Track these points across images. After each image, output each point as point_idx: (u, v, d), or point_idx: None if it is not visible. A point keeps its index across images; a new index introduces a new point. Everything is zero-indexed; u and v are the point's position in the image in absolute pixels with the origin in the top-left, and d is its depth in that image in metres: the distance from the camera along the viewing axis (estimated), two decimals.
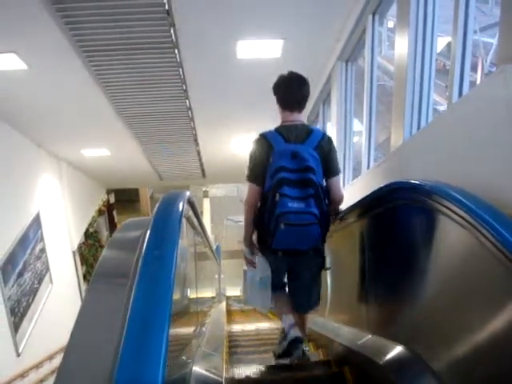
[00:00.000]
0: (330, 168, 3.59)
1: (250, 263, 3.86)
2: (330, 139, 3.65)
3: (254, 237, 3.81)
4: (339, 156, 5.82)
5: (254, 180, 3.59)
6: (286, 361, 3.79)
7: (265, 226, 3.50)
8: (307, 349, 4.43)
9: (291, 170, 3.37)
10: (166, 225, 2.06)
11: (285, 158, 3.40)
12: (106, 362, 1.41)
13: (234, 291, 15.82)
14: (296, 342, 3.67)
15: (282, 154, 3.42)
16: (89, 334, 1.91)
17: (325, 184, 3.57)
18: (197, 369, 2.76)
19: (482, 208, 1.94)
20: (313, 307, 4.00)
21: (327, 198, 3.59)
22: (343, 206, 3.82)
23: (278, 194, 3.34)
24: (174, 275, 1.73)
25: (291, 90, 3.67)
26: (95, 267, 2.36)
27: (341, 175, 3.83)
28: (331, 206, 3.68)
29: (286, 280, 3.95)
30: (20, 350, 7.76)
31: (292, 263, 3.76)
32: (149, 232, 1.95)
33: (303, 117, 3.77)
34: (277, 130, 3.60)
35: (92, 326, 1.96)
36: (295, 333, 3.67)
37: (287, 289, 3.98)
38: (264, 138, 3.56)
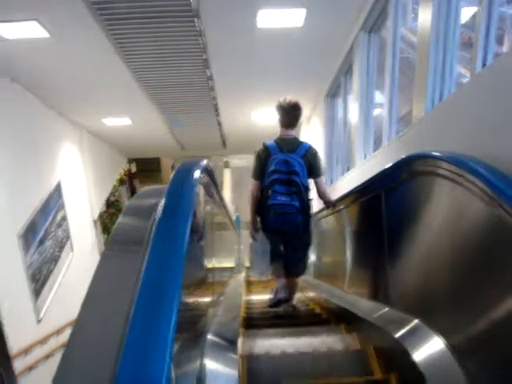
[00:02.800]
0: (314, 171, 4.90)
1: (254, 238, 5.22)
2: (313, 150, 4.93)
3: (259, 218, 5.05)
4: (361, 128, 5.87)
5: (256, 177, 4.92)
6: (279, 309, 5.36)
7: (262, 212, 4.89)
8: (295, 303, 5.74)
9: (282, 172, 4.68)
10: (180, 193, 2.05)
11: (278, 163, 4.71)
12: (115, 336, 1.41)
13: None
14: (282, 301, 5.16)
15: (277, 160, 4.72)
16: (99, 305, 1.91)
17: (308, 182, 4.87)
18: (211, 337, 2.78)
19: (502, 181, 1.91)
20: (299, 274, 5.40)
21: (309, 194, 4.91)
22: (335, 196, 5.18)
23: (270, 190, 4.69)
24: (187, 246, 1.72)
25: (287, 115, 4.94)
26: (110, 234, 2.37)
27: (323, 177, 5.21)
28: (321, 199, 5.20)
29: (283, 251, 5.12)
30: (40, 317, 7.89)
31: (282, 240, 5.03)
32: (163, 200, 1.94)
33: (295, 131, 5.08)
34: (275, 141, 4.90)
35: (104, 296, 1.97)
36: (282, 294, 5.09)
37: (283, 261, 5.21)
38: (265, 146, 4.86)
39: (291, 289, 5.33)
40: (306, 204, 4.81)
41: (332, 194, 5.40)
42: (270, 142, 4.90)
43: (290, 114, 4.96)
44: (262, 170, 4.83)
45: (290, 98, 4.96)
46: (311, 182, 4.99)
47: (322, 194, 5.10)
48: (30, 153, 8.19)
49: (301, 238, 5.04)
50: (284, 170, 4.68)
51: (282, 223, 4.75)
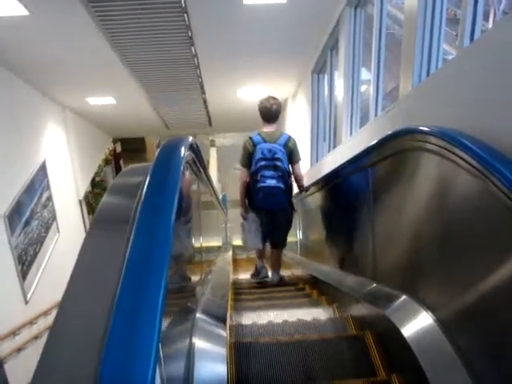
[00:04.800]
0: (293, 158, 5.79)
1: (245, 218, 6.10)
2: (293, 140, 5.83)
3: (247, 201, 6.00)
4: (348, 104, 5.89)
5: (244, 165, 5.82)
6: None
7: (252, 194, 5.77)
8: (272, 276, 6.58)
9: (267, 159, 5.55)
10: (165, 171, 2.02)
11: (264, 151, 5.57)
12: (100, 320, 1.37)
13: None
14: (264, 280, 6.47)
15: (262, 149, 5.59)
16: (85, 287, 1.89)
17: (290, 168, 5.78)
18: (201, 316, 2.77)
19: (490, 154, 1.90)
20: (282, 245, 6.39)
21: (291, 177, 5.83)
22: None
23: (259, 175, 5.55)
24: (174, 224, 1.69)
25: (269, 111, 5.84)
26: (95, 213, 2.34)
27: (301, 162, 5.97)
28: (296, 182, 6.02)
29: (266, 232, 6.11)
30: (28, 298, 7.86)
31: (270, 217, 5.93)
32: (148, 178, 1.91)
33: (276, 125, 5.99)
34: (259, 133, 5.76)
35: (89, 276, 1.94)
36: (264, 273, 6.50)
37: (268, 239, 6.29)
38: (251, 139, 5.73)
39: (277, 259, 6.46)
40: (288, 185, 5.74)
41: (319, 171, 6.15)
42: (254, 135, 5.77)
43: (272, 111, 5.84)
44: (249, 159, 5.70)
45: (270, 97, 5.91)
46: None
47: (297, 178, 5.98)
48: (13, 133, 8.09)
49: (285, 214, 6.01)
50: (269, 156, 5.55)
51: (269, 202, 5.67)
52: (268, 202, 5.68)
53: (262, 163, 5.55)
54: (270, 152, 5.56)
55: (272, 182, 5.52)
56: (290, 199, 5.96)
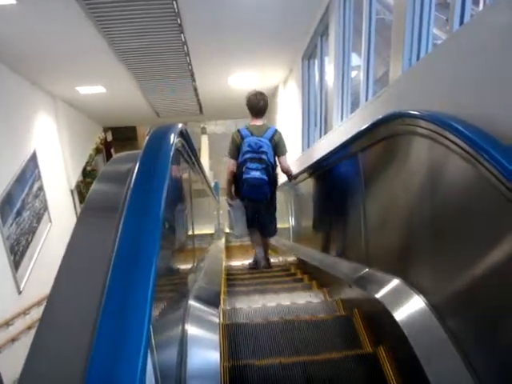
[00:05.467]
0: (279, 151, 6.02)
1: (231, 205, 6.40)
2: (279, 133, 6.05)
3: (233, 189, 6.28)
4: (338, 90, 5.91)
5: (233, 157, 6.03)
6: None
7: (238, 184, 6.02)
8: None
9: (254, 152, 5.76)
10: (155, 157, 2.01)
11: (250, 144, 5.78)
12: (90, 314, 1.35)
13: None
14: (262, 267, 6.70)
15: (249, 142, 5.80)
16: (74, 276, 1.87)
17: (276, 160, 6.04)
18: (193, 303, 2.77)
19: (481, 138, 1.89)
20: (271, 235, 6.82)
21: (276, 170, 6.08)
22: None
23: (244, 167, 5.78)
24: (163, 211, 1.68)
25: (256, 106, 6.01)
26: (84, 201, 2.32)
27: (288, 154, 6.17)
28: (284, 174, 6.36)
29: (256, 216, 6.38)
30: (21, 288, 7.85)
31: (255, 206, 6.19)
32: (137, 165, 1.90)
33: (264, 119, 6.17)
34: (247, 127, 6.01)
35: (79, 265, 1.93)
36: (264, 263, 6.71)
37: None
38: (239, 131, 5.98)
39: (265, 247, 6.77)
40: (272, 178, 5.95)
41: (310, 157, 6.28)
42: (242, 128, 6.04)
43: (258, 106, 6.02)
44: (237, 151, 5.95)
45: (258, 93, 6.05)
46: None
47: (285, 170, 6.25)
48: (2, 123, 8.04)
49: (269, 204, 6.27)
50: (255, 149, 5.78)
51: (254, 193, 5.88)
52: (252, 192, 5.89)
53: (249, 155, 5.78)
54: (256, 145, 5.79)
55: (256, 174, 5.73)
56: (274, 190, 6.21)
